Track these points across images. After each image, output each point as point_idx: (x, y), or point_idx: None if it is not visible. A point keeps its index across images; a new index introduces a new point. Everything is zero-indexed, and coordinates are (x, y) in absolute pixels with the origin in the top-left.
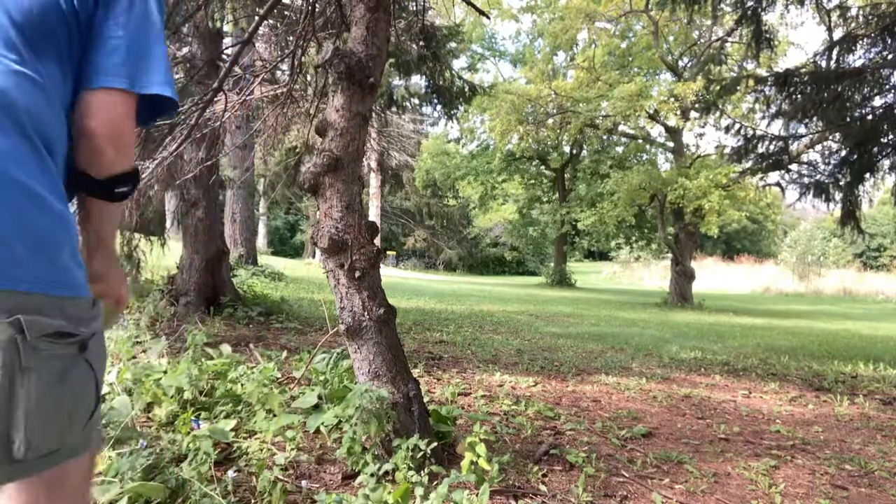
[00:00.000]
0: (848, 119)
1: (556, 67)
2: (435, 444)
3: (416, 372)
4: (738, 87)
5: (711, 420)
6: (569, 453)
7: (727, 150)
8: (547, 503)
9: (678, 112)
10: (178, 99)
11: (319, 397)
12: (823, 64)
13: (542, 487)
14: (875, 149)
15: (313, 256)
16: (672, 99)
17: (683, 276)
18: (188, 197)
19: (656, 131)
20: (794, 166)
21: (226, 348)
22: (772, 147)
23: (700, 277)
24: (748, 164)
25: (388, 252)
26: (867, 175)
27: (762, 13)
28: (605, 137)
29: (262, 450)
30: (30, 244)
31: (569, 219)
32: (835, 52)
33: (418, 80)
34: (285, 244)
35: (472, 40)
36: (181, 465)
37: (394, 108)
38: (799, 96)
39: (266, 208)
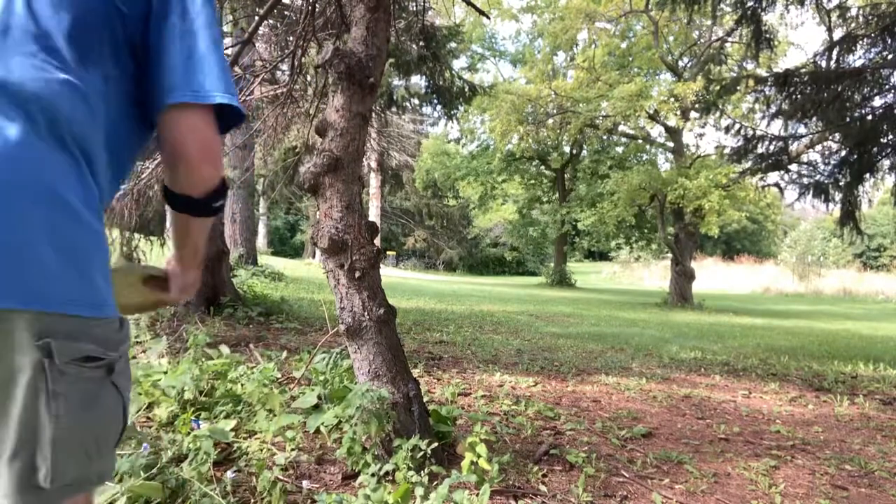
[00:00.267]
0: (848, 119)
1: (556, 67)
2: (435, 444)
3: (416, 372)
4: (738, 87)
5: (711, 420)
6: (569, 453)
7: (727, 151)
8: (547, 503)
9: (678, 112)
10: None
11: (319, 397)
12: (823, 64)
13: (542, 487)
14: (875, 149)
15: (313, 256)
16: (672, 99)
17: (683, 276)
18: None
19: (656, 131)
20: (793, 166)
21: (223, 349)
22: (771, 147)
23: (700, 277)
24: (748, 165)
25: (388, 252)
26: (867, 175)
27: (762, 13)
28: (605, 137)
29: (262, 450)
30: (64, 261)
31: (569, 219)
32: (835, 52)
33: (418, 80)
34: (285, 244)
35: (472, 40)
36: (181, 465)
37: (394, 108)
38: (799, 96)
39: (266, 208)
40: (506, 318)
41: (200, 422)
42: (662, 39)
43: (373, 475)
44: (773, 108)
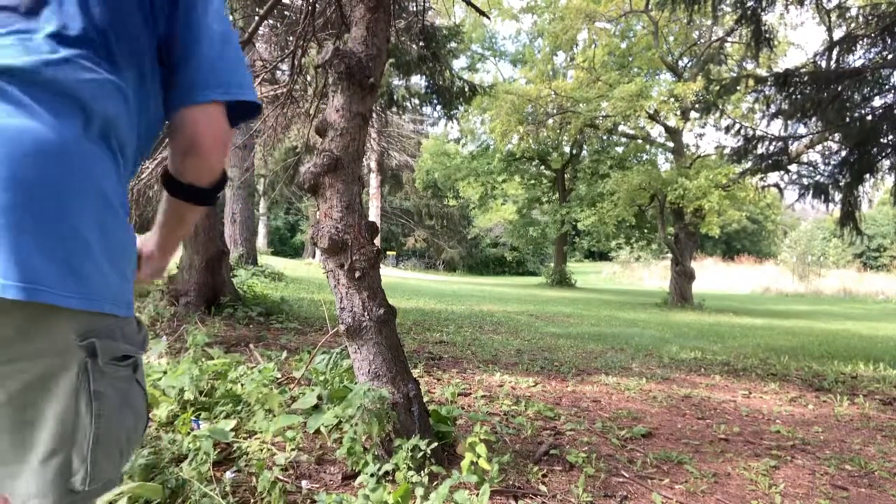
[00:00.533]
0: (848, 119)
1: (556, 67)
2: (435, 444)
3: (416, 372)
4: (738, 87)
5: (711, 420)
6: (569, 453)
7: (727, 151)
8: (547, 503)
9: (678, 112)
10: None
11: (319, 397)
12: (823, 64)
13: (542, 487)
14: (875, 149)
15: (313, 256)
16: (672, 99)
17: (683, 277)
18: None
19: (656, 131)
20: (793, 167)
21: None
22: (771, 147)
23: (700, 277)
24: (748, 165)
25: (388, 252)
26: (867, 175)
27: (762, 13)
28: (605, 137)
29: (261, 450)
30: (109, 261)
31: (569, 219)
32: (835, 52)
33: (418, 80)
34: (285, 244)
35: (472, 40)
36: (181, 465)
37: (394, 108)
38: (799, 96)
39: (266, 208)
40: (506, 318)
41: (200, 422)
42: (662, 39)
43: (373, 475)
44: (773, 108)
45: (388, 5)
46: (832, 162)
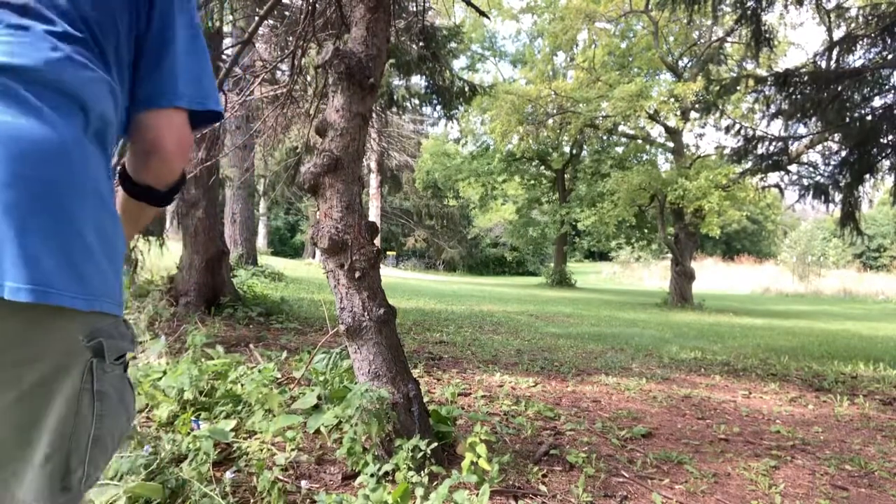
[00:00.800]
0: (848, 119)
1: (556, 68)
2: (435, 444)
3: (416, 372)
4: (738, 87)
5: (711, 420)
6: (569, 453)
7: (727, 151)
8: (547, 503)
9: (678, 112)
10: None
11: (319, 397)
12: (823, 64)
13: (542, 488)
14: (875, 149)
15: (313, 256)
16: (672, 99)
17: (683, 277)
18: (188, 197)
19: (656, 131)
20: (793, 167)
21: (219, 350)
22: (771, 148)
23: (700, 278)
24: (748, 165)
25: (388, 252)
26: (867, 175)
27: (762, 13)
28: (605, 138)
29: (261, 450)
30: (108, 260)
31: (569, 219)
32: (835, 53)
33: (418, 80)
34: (285, 244)
35: (472, 40)
36: (181, 465)
37: (394, 109)
38: (799, 96)
39: (266, 208)
40: (506, 318)
41: (200, 422)
42: (662, 39)
43: (372, 475)
44: (773, 109)
45: (388, 5)
46: (832, 162)
